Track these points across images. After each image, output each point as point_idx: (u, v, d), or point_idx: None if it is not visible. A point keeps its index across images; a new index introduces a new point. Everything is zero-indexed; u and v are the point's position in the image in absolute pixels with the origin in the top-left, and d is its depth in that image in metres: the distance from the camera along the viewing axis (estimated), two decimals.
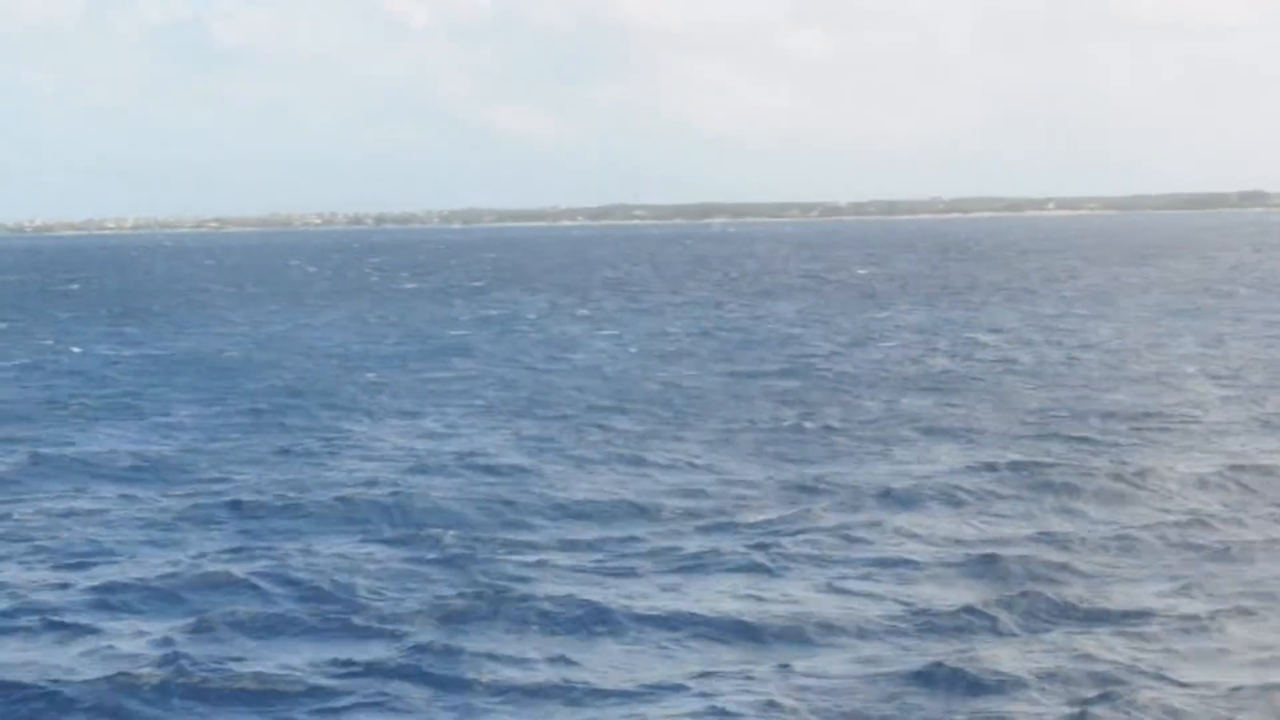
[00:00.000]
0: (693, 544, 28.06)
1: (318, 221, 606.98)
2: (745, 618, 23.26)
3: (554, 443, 39.65)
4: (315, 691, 20.38)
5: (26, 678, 20.85)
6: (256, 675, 20.90)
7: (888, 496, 31.83)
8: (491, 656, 21.63)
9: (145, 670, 21.07)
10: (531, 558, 27.21)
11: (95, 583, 25.71)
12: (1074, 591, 24.54)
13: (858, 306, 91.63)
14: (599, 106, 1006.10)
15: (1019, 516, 30.21)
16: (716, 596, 24.56)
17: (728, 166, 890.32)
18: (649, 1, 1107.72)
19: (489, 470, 35.66)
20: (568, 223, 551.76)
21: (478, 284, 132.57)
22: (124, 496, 33.36)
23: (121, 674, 20.89)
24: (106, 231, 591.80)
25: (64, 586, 25.69)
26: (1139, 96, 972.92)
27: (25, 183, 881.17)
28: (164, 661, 21.36)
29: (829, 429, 41.07)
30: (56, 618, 23.80)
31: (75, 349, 71.56)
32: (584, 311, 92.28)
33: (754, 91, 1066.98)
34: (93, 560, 27.49)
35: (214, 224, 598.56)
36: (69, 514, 31.44)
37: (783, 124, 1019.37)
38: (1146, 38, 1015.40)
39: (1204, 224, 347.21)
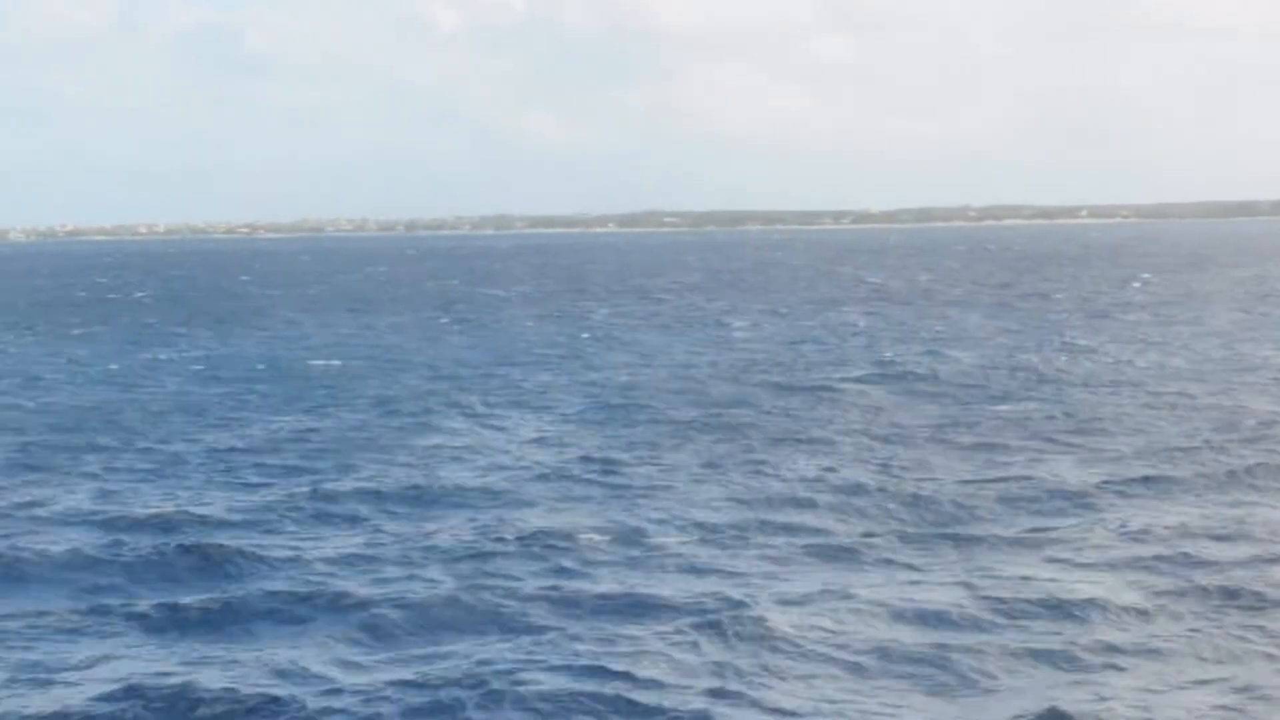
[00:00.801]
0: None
1: (349, 227, 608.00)
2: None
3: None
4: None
5: None
6: None
7: None
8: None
9: None
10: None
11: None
12: None
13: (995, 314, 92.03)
14: (627, 112, 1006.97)
15: None
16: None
17: (756, 172, 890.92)
18: (678, 6, 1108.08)
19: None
20: (599, 230, 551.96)
21: (575, 290, 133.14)
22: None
23: None
24: (139, 237, 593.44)
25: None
26: (1169, 101, 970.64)
27: (56, 187, 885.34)
28: None
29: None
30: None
31: (203, 351, 72.85)
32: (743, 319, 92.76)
33: (783, 96, 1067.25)
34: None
35: (245, 230, 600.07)
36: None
37: (812, 129, 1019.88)
38: (1178, 42, 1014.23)
39: (1243, 231, 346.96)
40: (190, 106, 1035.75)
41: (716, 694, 20.57)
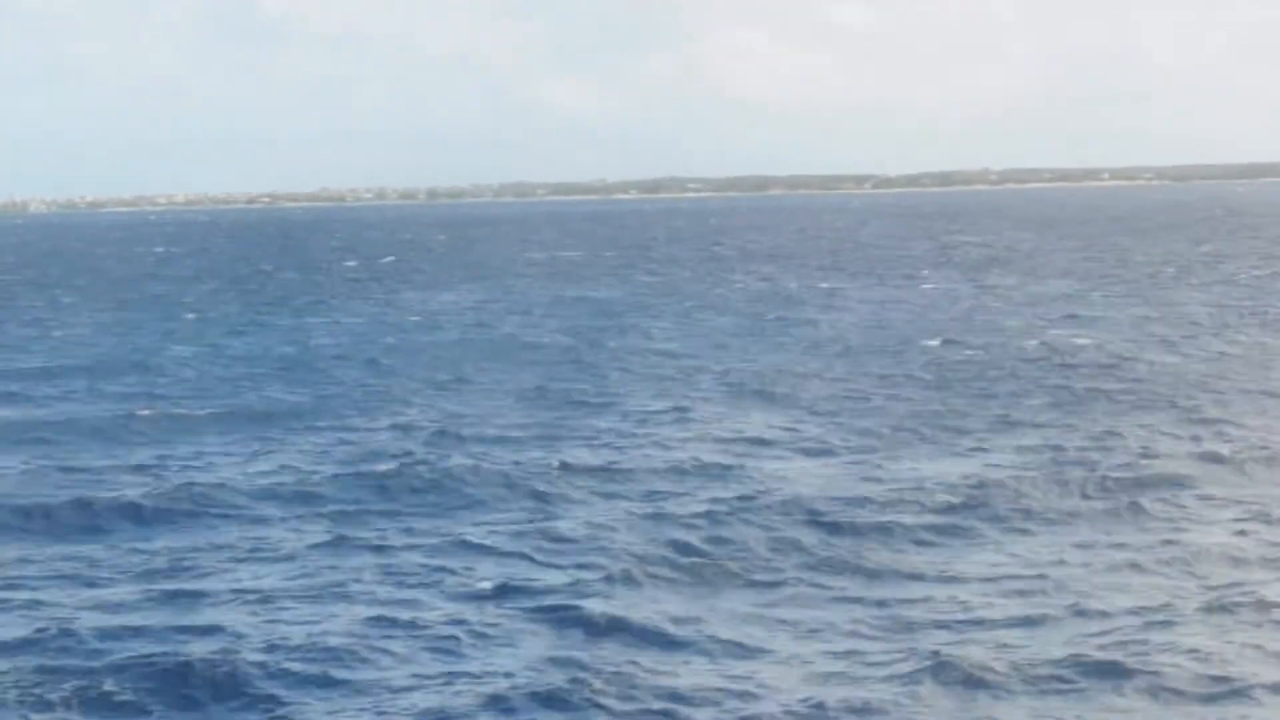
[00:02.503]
0: None
1: (369, 196, 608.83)
2: None
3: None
4: None
5: None
6: None
7: None
8: None
9: None
10: None
11: None
12: None
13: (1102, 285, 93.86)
14: (647, 78, 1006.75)
15: None
16: None
17: (776, 138, 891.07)
18: None
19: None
20: (621, 196, 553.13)
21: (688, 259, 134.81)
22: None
23: None
24: (158, 207, 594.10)
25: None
26: (1190, 63, 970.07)
27: (74, 158, 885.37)
28: None
29: None
30: None
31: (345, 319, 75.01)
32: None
33: (803, 61, 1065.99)
34: None
35: (266, 199, 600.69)
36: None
37: (831, 94, 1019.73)
38: (1199, 3, 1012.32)
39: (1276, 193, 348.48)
40: (207, 75, 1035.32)
41: None
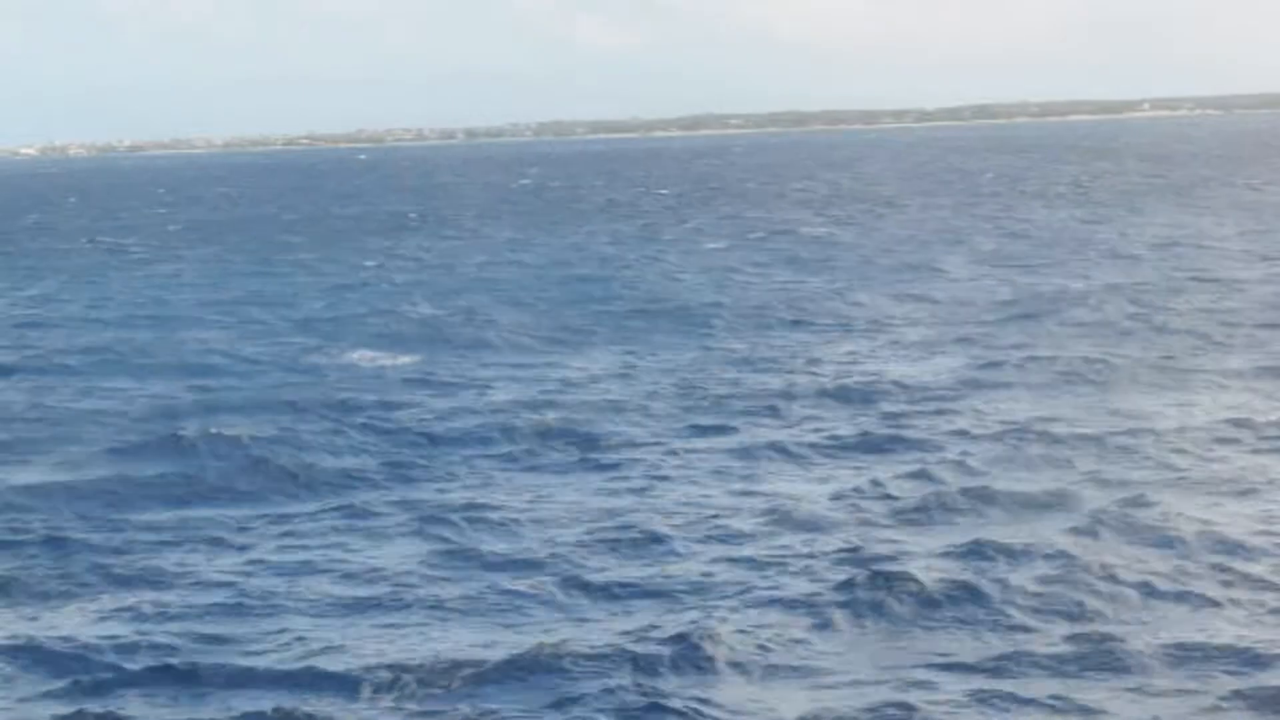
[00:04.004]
0: None
1: (408, 136, 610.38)
2: None
3: None
4: None
5: None
6: None
7: None
8: None
9: None
10: None
11: None
12: None
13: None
14: (680, 15, 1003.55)
15: None
16: None
17: (810, 73, 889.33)
18: None
19: None
20: (662, 134, 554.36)
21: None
22: None
23: None
24: (197, 150, 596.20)
25: None
26: None
27: (110, 103, 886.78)
28: None
29: None
30: None
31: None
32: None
33: None
34: None
35: (306, 140, 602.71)
36: None
37: (864, 28, 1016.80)
38: None
39: None
40: (236, 18, 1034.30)
41: None
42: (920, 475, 28.21)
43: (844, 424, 33.12)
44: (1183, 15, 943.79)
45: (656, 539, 24.87)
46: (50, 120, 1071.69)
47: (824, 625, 20.81)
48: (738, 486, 28.25)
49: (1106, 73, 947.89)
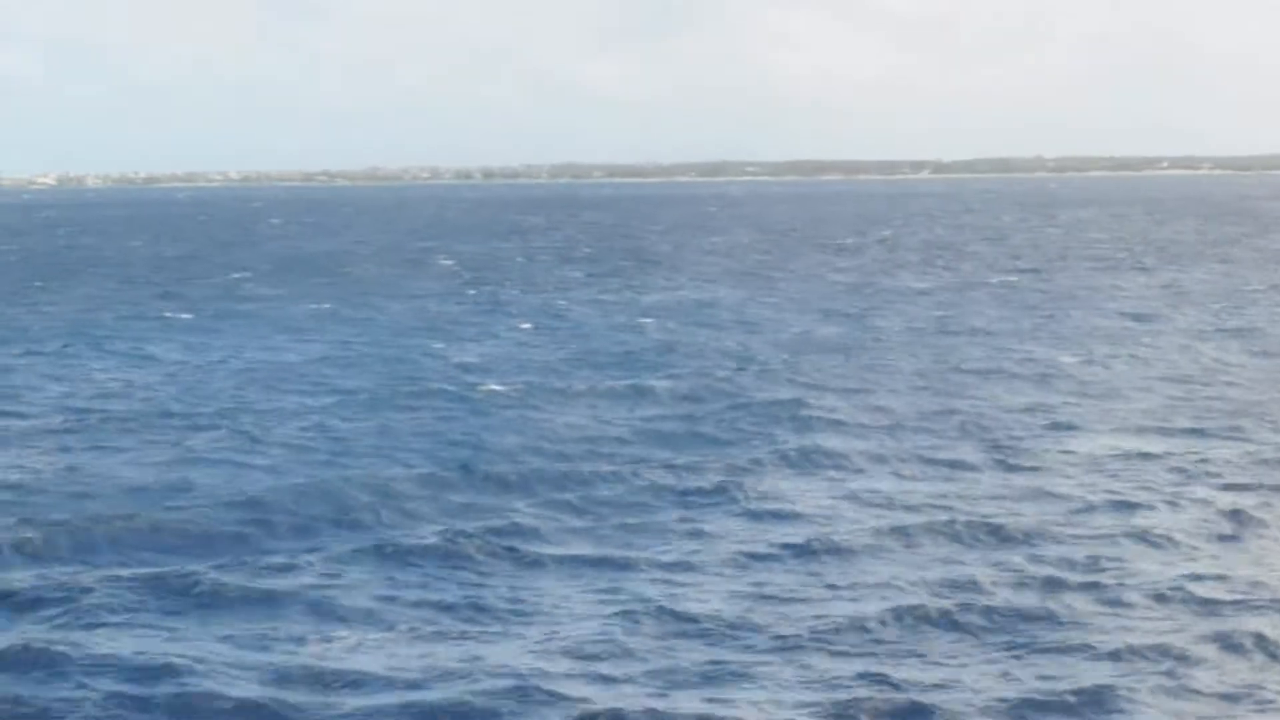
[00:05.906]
0: None
1: (425, 176, 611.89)
2: None
3: None
4: None
5: None
6: None
7: None
8: None
9: None
10: None
11: None
12: None
13: None
14: (693, 61, 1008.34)
15: None
16: None
17: (823, 122, 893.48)
18: None
19: None
20: (681, 179, 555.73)
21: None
22: None
23: None
24: (214, 184, 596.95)
25: None
26: (1248, 49, 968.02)
27: (124, 135, 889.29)
28: None
29: None
30: None
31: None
32: None
33: (850, 45, 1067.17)
34: None
35: (323, 177, 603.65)
36: None
37: (879, 79, 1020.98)
38: None
39: None
40: (253, 53, 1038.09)
41: None
42: None
43: None
44: (1205, 73, 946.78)
45: None
46: (68, 152, 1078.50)
47: None
48: None
49: (1120, 130, 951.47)
